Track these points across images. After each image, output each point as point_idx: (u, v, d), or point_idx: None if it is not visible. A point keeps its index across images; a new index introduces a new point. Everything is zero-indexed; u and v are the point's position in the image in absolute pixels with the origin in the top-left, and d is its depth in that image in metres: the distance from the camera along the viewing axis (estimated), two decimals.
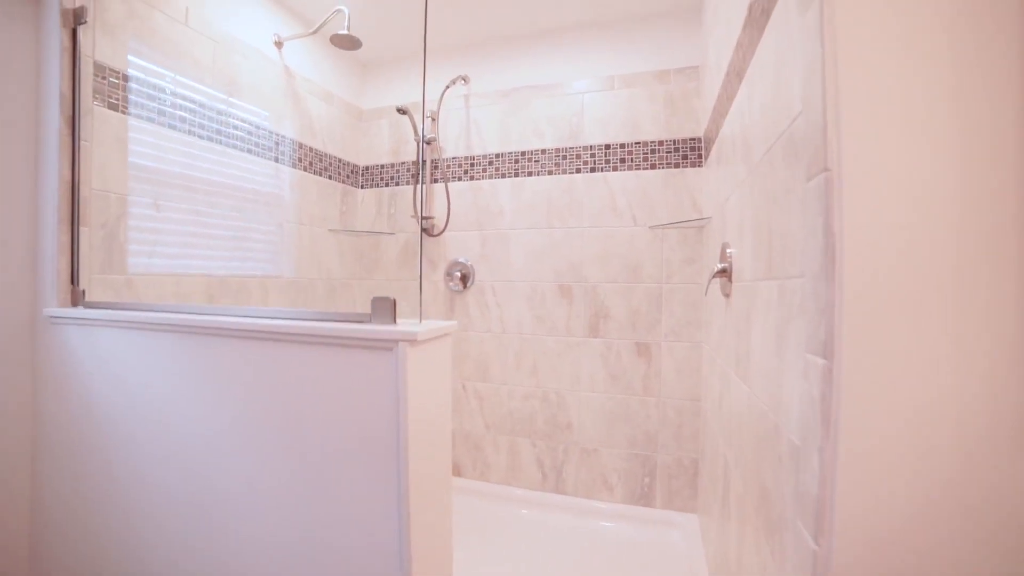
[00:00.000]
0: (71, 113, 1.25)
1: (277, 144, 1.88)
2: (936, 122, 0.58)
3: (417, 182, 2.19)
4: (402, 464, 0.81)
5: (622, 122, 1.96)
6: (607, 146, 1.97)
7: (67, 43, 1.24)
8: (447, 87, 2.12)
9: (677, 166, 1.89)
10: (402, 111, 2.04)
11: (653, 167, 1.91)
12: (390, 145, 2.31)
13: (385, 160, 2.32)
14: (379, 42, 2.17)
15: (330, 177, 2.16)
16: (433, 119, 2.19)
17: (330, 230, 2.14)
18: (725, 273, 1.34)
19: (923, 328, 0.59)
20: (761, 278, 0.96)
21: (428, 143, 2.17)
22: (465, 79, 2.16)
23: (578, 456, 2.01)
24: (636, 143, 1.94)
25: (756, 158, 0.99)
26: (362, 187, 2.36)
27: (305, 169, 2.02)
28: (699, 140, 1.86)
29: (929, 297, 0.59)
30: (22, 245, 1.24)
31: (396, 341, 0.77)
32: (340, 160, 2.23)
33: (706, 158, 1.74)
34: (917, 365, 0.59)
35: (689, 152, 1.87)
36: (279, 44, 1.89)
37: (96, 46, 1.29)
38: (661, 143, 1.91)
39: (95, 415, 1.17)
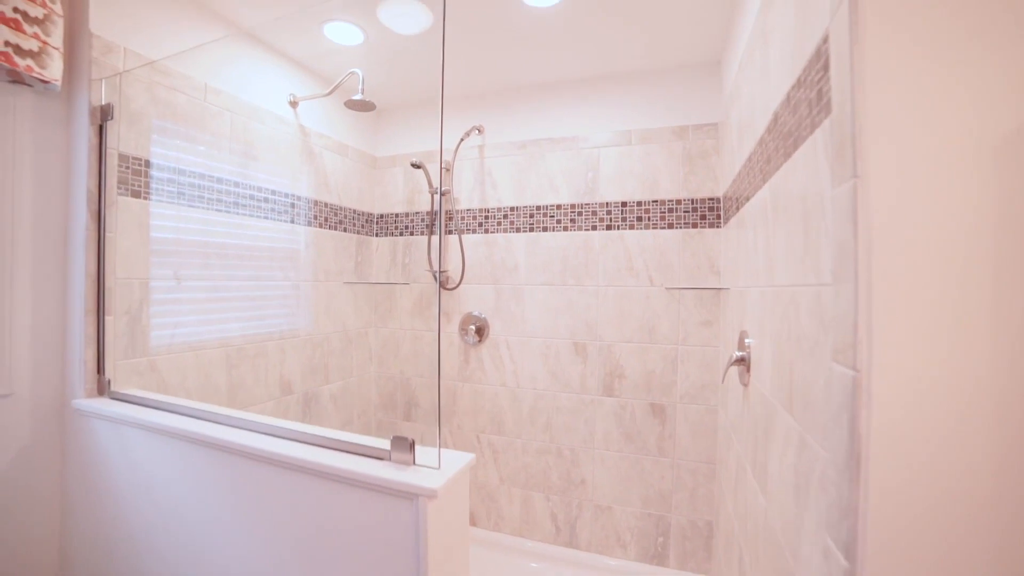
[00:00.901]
0: (97, 208, 1.28)
1: (293, 205, 1.90)
2: (976, 334, 0.56)
3: (432, 233, 2.19)
4: None
5: (639, 179, 1.93)
6: (624, 203, 1.94)
7: (94, 140, 1.26)
8: (461, 139, 2.11)
9: (695, 226, 1.86)
10: (416, 165, 2.04)
11: (671, 226, 1.88)
12: (404, 194, 2.31)
13: (399, 209, 2.33)
14: (392, 89, 2.17)
15: (345, 230, 2.18)
16: (447, 170, 2.18)
17: (345, 282, 2.16)
18: (743, 362, 1.32)
19: (957, 542, 0.57)
20: (781, 408, 0.94)
21: (443, 195, 2.17)
22: (480, 129, 2.15)
23: (592, 512, 2.01)
24: (653, 201, 1.91)
25: (780, 279, 0.97)
26: (376, 235, 2.37)
27: (320, 226, 2.03)
28: (718, 200, 1.83)
29: (961, 512, 0.57)
30: (52, 336, 1.28)
31: (416, 496, 0.78)
32: (355, 211, 2.24)
33: (725, 220, 1.71)
34: None
35: (707, 212, 1.84)
36: (294, 104, 1.90)
37: (121, 138, 1.32)
38: (679, 202, 1.88)
39: (122, 511, 1.21)
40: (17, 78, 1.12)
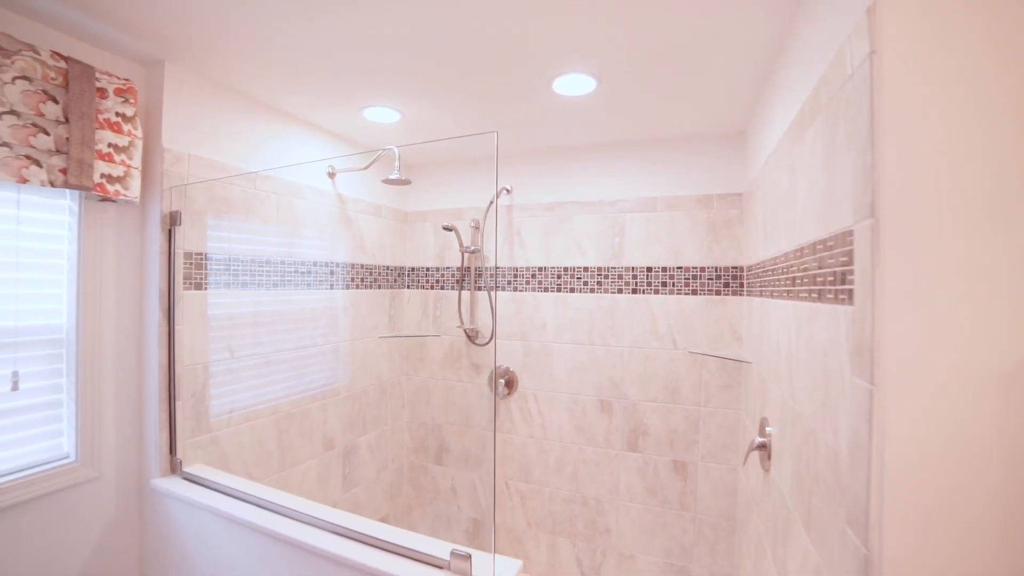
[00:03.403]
0: (167, 305, 1.40)
1: (332, 272, 2.01)
2: (982, 543, 0.64)
3: (463, 289, 2.29)
4: None
5: (664, 245, 2.00)
6: (649, 268, 2.02)
7: (164, 245, 1.38)
8: (491, 202, 2.20)
9: (718, 293, 1.93)
10: (448, 228, 2.14)
11: (695, 292, 1.96)
12: (435, 250, 2.42)
13: (430, 264, 2.43)
14: (422, 150, 2.25)
15: (380, 287, 2.29)
16: (477, 228, 2.28)
17: (380, 337, 2.28)
18: (764, 448, 1.39)
19: None
20: (800, 522, 1.01)
21: (472, 253, 2.27)
22: (508, 189, 2.24)
23: (616, 559, 2.11)
24: (678, 267, 1.98)
25: (802, 406, 1.04)
26: (408, 287, 2.48)
27: (357, 287, 2.15)
28: (741, 269, 1.89)
29: None
30: (131, 422, 1.41)
31: None
32: (388, 267, 2.35)
33: (749, 290, 1.77)
34: None
35: (731, 280, 1.91)
36: (332, 175, 2.01)
37: (185, 238, 1.43)
38: (703, 269, 1.95)
39: None
40: (107, 198, 1.24)
